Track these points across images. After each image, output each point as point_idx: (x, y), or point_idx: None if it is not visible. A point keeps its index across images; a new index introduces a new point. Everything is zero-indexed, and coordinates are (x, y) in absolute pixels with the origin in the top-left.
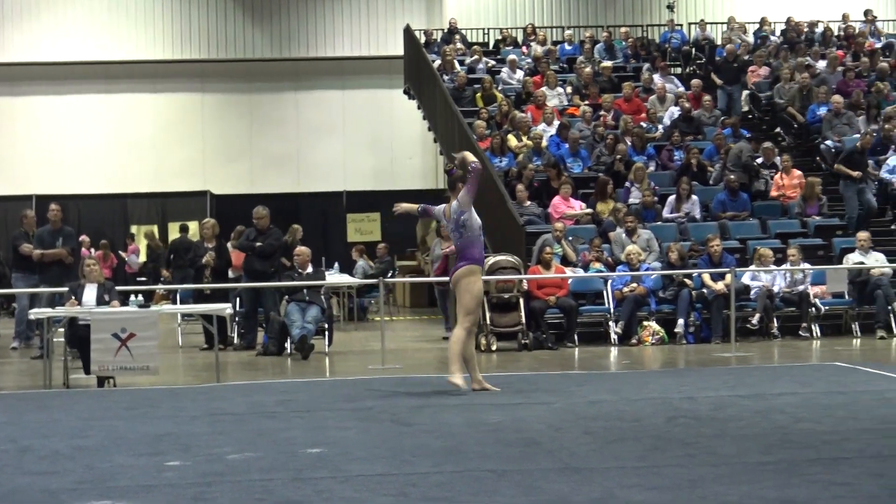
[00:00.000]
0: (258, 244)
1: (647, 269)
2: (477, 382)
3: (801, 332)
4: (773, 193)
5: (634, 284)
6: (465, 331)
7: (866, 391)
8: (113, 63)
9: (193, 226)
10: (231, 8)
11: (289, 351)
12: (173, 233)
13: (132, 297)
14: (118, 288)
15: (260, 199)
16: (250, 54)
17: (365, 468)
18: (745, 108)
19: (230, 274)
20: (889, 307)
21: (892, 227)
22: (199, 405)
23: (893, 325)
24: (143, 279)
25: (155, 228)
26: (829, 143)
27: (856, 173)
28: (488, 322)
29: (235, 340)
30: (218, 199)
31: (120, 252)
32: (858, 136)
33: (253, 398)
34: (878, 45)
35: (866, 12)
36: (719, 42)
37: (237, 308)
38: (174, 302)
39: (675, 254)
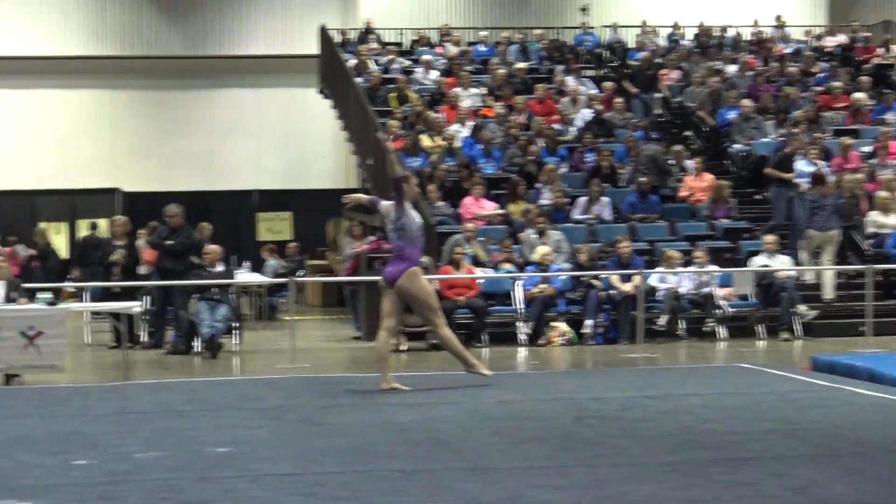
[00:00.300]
0: (169, 242)
1: (556, 270)
2: (386, 382)
3: (704, 329)
4: (683, 193)
5: (544, 285)
6: (444, 326)
7: (770, 392)
8: (23, 58)
9: (103, 223)
10: (144, 4)
11: (197, 350)
12: (83, 230)
13: (40, 295)
14: (26, 285)
15: (171, 197)
16: (163, 51)
17: (273, 467)
18: (658, 112)
19: (144, 270)
20: (793, 309)
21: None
22: (106, 404)
23: (797, 327)
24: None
25: (51, 226)
26: (738, 146)
27: (788, 175)
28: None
29: (144, 339)
30: (129, 196)
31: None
32: (767, 139)
33: (161, 397)
34: (788, 51)
35: (776, 18)
36: (632, 45)
37: (146, 306)
38: (83, 300)
39: (584, 255)
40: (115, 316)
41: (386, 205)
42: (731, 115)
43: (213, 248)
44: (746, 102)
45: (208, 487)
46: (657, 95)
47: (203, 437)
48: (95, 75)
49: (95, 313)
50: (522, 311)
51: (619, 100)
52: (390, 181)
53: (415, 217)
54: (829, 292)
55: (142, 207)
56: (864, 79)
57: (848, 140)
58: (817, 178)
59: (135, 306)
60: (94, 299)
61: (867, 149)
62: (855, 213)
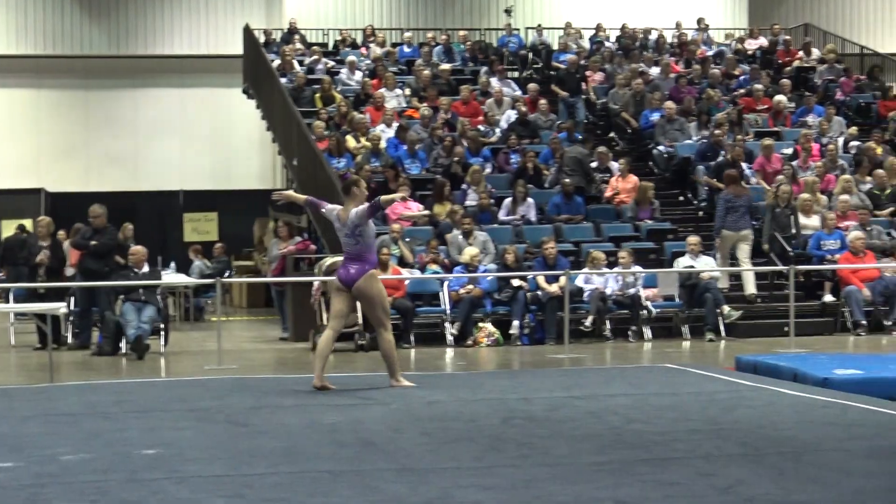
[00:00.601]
0: (93, 242)
1: (483, 271)
2: (319, 379)
3: (629, 335)
4: (608, 194)
5: (470, 286)
6: (391, 331)
7: (695, 392)
8: None
9: (28, 223)
10: (67, 3)
11: (124, 351)
12: (7, 230)
13: None
14: None
15: (96, 198)
16: (87, 51)
17: (201, 469)
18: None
19: (71, 271)
20: (718, 310)
21: None
22: (32, 405)
23: (722, 327)
24: None
25: None
26: (661, 148)
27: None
28: (325, 323)
29: (70, 340)
30: (53, 196)
31: None
32: (690, 141)
33: (87, 398)
34: (710, 53)
35: (699, 21)
36: (556, 47)
37: (71, 307)
38: (7, 300)
39: (511, 256)
40: (41, 317)
41: (332, 209)
42: (655, 116)
43: (137, 249)
44: (669, 104)
45: (136, 489)
46: (584, 98)
47: (131, 439)
48: (19, 74)
49: (20, 314)
50: (449, 311)
51: (542, 101)
52: (375, 204)
53: (372, 224)
54: (751, 288)
55: (66, 208)
56: (785, 81)
57: (768, 141)
58: (731, 178)
59: (60, 307)
60: (17, 300)
61: (788, 151)
62: (789, 223)
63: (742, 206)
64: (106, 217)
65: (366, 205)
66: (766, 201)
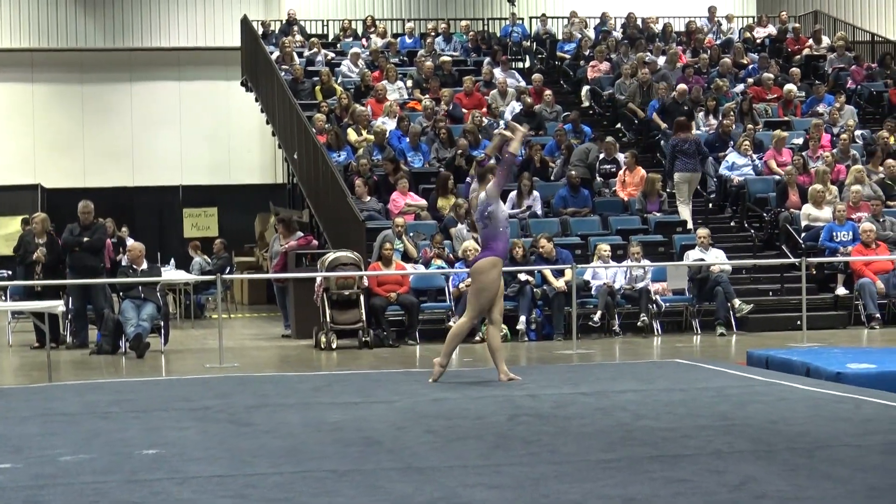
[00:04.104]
0: (86, 239)
1: None
2: (505, 374)
3: (639, 324)
4: (620, 193)
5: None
6: (470, 321)
7: (706, 388)
8: None
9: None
10: None
11: (124, 350)
12: (3, 227)
13: None
14: None
15: (93, 193)
16: (82, 44)
17: (203, 469)
18: (586, 104)
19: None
20: (728, 304)
21: (732, 223)
22: (30, 405)
23: (733, 321)
24: None
25: None
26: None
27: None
28: (328, 319)
29: (68, 339)
30: (49, 192)
31: None
32: (698, 132)
33: (87, 398)
34: (717, 42)
35: (708, 9)
36: (560, 37)
37: (69, 305)
38: (4, 299)
39: (519, 250)
40: (38, 315)
41: (472, 191)
42: None
43: (135, 246)
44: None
45: (136, 490)
46: (585, 88)
47: (131, 439)
48: (14, 69)
49: (17, 313)
50: (454, 307)
51: (548, 92)
52: (506, 161)
53: (503, 208)
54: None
55: (63, 204)
56: (795, 70)
57: (782, 133)
58: (679, 125)
59: (58, 305)
60: (14, 298)
61: (798, 141)
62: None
63: (690, 148)
64: (94, 213)
65: (492, 180)
66: None
